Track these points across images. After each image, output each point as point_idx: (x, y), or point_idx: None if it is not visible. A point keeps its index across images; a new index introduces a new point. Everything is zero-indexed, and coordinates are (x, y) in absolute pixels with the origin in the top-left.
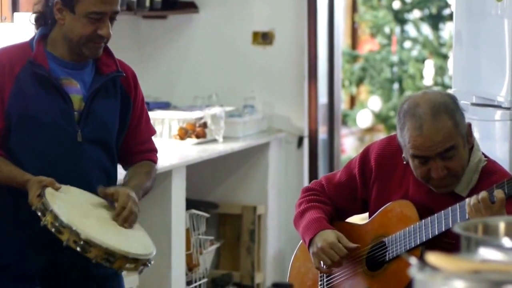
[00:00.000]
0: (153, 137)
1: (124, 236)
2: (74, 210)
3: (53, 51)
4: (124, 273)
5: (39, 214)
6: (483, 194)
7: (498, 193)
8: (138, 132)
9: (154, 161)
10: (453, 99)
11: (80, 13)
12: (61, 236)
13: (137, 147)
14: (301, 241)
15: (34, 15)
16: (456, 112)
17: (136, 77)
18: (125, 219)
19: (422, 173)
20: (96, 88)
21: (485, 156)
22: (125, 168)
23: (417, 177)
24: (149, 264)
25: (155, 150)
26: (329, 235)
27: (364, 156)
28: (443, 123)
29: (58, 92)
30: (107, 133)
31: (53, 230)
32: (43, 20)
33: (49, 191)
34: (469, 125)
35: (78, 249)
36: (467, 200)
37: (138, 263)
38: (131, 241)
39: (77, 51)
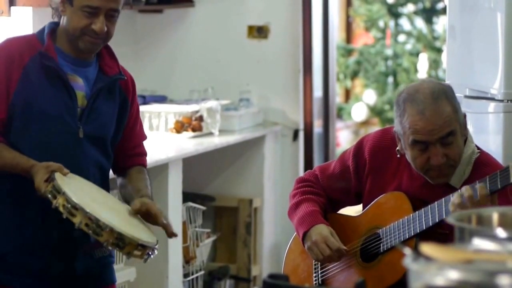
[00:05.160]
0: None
1: (130, 224)
2: (84, 195)
3: (61, 46)
4: (121, 265)
5: (50, 197)
6: (467, 192)
7: (480, 189)
8: (132, 135)
9: (145, 165)
10: (449, 88)
11: (77, 5)
12: (73, 219)
13: (130, 150)
14: (295, 233)
15: (51, 11)
16: (454, 99)
17: (135, 83)
18: (169, 227)
19: (421, 162)
20: (100, 87)
21: (478, 148)
22: (115, 171)
23: (415, 168)
24: (154, 253)
25: (145, 154)
26: (323, 229)
27: (358, 148)
28: (444, 107)
29: (64, 86)
30: (106, 132)
31: (65, 212)
32: (57, 14)
33: (58, 175)
34: (465, 115)
35: (90, 232)
36: (451, 198)
37: (145, 250)
38: (137, 229)
39: (75, 44)
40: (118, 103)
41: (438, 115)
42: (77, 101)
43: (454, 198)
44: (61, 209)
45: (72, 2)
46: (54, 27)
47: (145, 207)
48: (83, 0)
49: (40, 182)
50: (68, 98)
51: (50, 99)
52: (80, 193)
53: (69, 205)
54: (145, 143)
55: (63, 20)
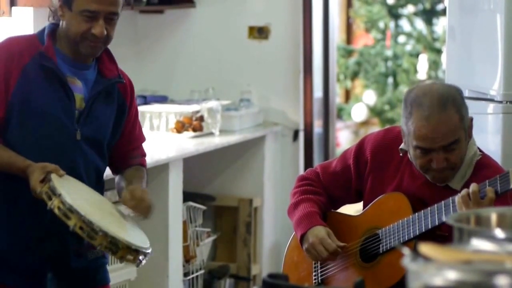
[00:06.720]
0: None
1: (124, 228)
2: (79, 197)
3: (60, 48)
4: (122, 264)
5: (45, 198)
6: (474, 187)
7: (489, 191)
8: (131, 139)
9: (144, 166)
10: (459, 92)
11: (76, 10)
12: (68, 221)
13: (129, 153)
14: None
15: (48, 12)
16: (462, 105)
17: (133, 87)
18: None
19: (422, 163)
20: (98, 90)
21: (480, 151)
22: (115, 172)
23: (416, 166)
24: (147, 257)
25: (144, 155)
26: (320, 231)
27: (360, 147)
28: (450, 116)
29: (62, 88)
30: (102, 136)
31: (60, 214)
32: (55, 17)
33: (54, 176)
34: (471, 119)
35: (84, 235)
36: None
37: (138, 255)
38: (130, 233)
39: (75, 48)
40: (116, 107)
41: (443, 124)
42: (75, 103)
43: (462, 191)
44: (56, 211)
45: (71, 6)
46: (54, 28)
47: (136, 194)
48: (82, 4)
49: (35, 182)
50: (66, 100)
51: (48, 99)
52: (76, 195)
53: (65, 207)
54: (145, 143)
55: (63, 23)
